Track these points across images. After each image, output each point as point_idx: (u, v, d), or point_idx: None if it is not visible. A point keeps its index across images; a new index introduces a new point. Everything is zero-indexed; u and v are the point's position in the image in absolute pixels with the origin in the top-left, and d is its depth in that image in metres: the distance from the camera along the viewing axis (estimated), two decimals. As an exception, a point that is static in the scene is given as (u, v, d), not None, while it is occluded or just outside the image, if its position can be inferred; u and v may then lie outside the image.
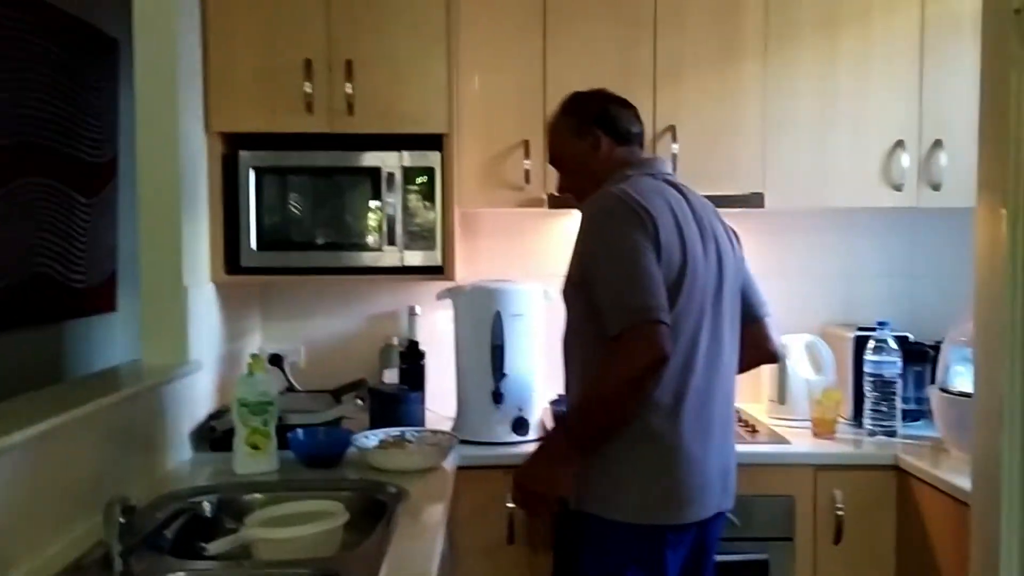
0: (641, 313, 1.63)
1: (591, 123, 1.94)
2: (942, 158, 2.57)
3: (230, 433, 2.16)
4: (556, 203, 2.56)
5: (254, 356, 2.19)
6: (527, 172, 2.57)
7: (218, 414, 2.33)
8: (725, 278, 1.85)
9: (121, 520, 1.45)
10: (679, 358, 1.73)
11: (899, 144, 2.58)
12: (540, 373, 2.48)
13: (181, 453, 2.20)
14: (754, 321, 1.96)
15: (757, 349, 1.99)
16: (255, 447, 2.12)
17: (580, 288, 1.77)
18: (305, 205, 2.47)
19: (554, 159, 2.03)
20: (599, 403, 1.69)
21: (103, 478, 1.74)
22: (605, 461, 1.75)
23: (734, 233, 1.98)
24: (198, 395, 2.31)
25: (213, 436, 2.25)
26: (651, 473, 1.74)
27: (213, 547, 1.60)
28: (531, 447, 1.89)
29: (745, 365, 1.97)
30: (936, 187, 2.58)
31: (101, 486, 1.71)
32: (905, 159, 2.57)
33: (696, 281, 1.76)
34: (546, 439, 1.89)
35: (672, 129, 2.57)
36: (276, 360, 2.72)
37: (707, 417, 1.79)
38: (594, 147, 1.93)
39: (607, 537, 1.76)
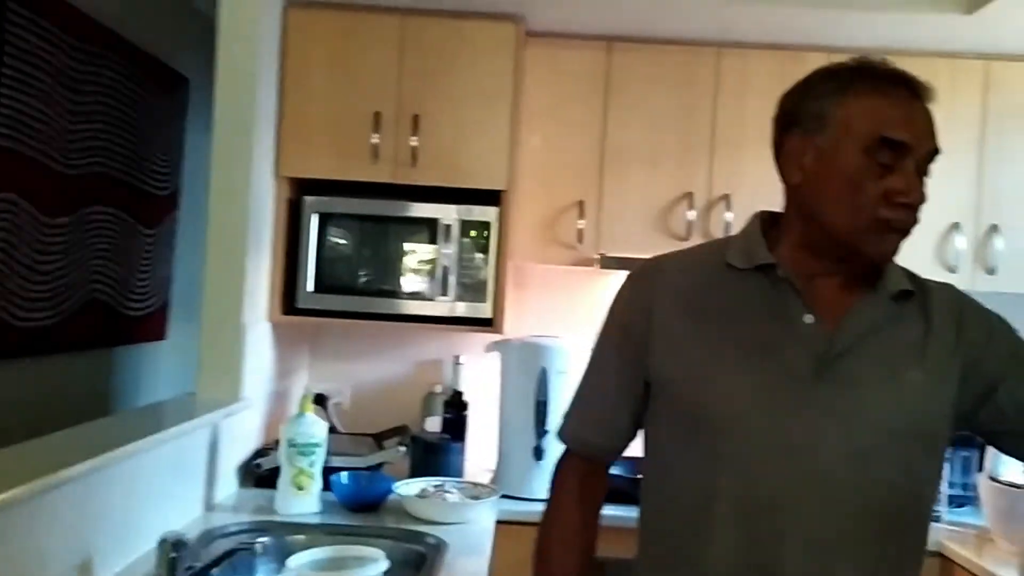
0: None
1: None
2: (998, 243, 2.57)
3: (275, 471, 2.19)
4: (607, 264, 2.58)
5: (305, 397, 2.22)
6: (580, 232, 2.60)
7: (264, 451, 2.36)
8: None
9: (172, 555, 1.48)
10: None
11: (955, 226, 2.58)
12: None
13: (227, 487, 2.23)
14: None
15: None
16: (300, 487, 2.14)
17: None
18: (362, 251, 2.53)
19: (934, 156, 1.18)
20: None
21: (154, 509, 1.77)
22: None
23: None
24: (247, 431, 2.35)
25: (259, 473, 2.28)
26: None
27: (259, 588, 1.61)
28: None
29: None
30: (991, 271, 2.57)
31: (152, 517, 1.74)
32: (960, 241, 2.57)
33: None
34: None
35: (727, 198, 2.60)
36: (321, 400, 2.76)
37: None
38: None
39: None
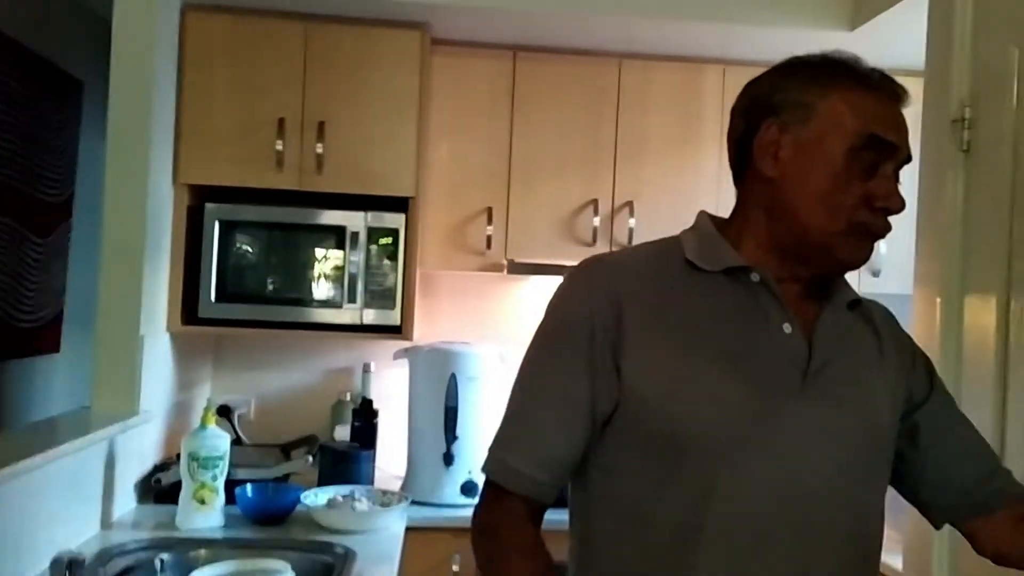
0: None
1: None
2: (882, 247, 2.71)
3: (176, 486, 2.13)
4: (515, 269, 2.62)
5: (207, 409, 2.18)
6: (489, 238, 2.63)
7: (164, 466, 2.30)
8: None
9: (67, 574, 1.44)
10: None
11: (843, 231, 2.71)
12: (492, 437, 2.51)
13: (126, 504, 2.16)
14: None
15: None
16: (202, 501, 2.09)
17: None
18: (267, 259, 2.49)
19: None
20: None
21: (49, 528, 1.71)
22: None
23: None
24: (146, 445, 2.28)
25: (159, 488, 2.22)
26: None
27: (158, 605, 1.58)
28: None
29: None
30: (876, 274, 2.72)
31: (46, 536, 1.68)
32: (848, 246, 2.70)
33: None
34: None
35: (630, 204, 2.66)
36: (225, 411, 2.70)
37: None
38: None
39: None
